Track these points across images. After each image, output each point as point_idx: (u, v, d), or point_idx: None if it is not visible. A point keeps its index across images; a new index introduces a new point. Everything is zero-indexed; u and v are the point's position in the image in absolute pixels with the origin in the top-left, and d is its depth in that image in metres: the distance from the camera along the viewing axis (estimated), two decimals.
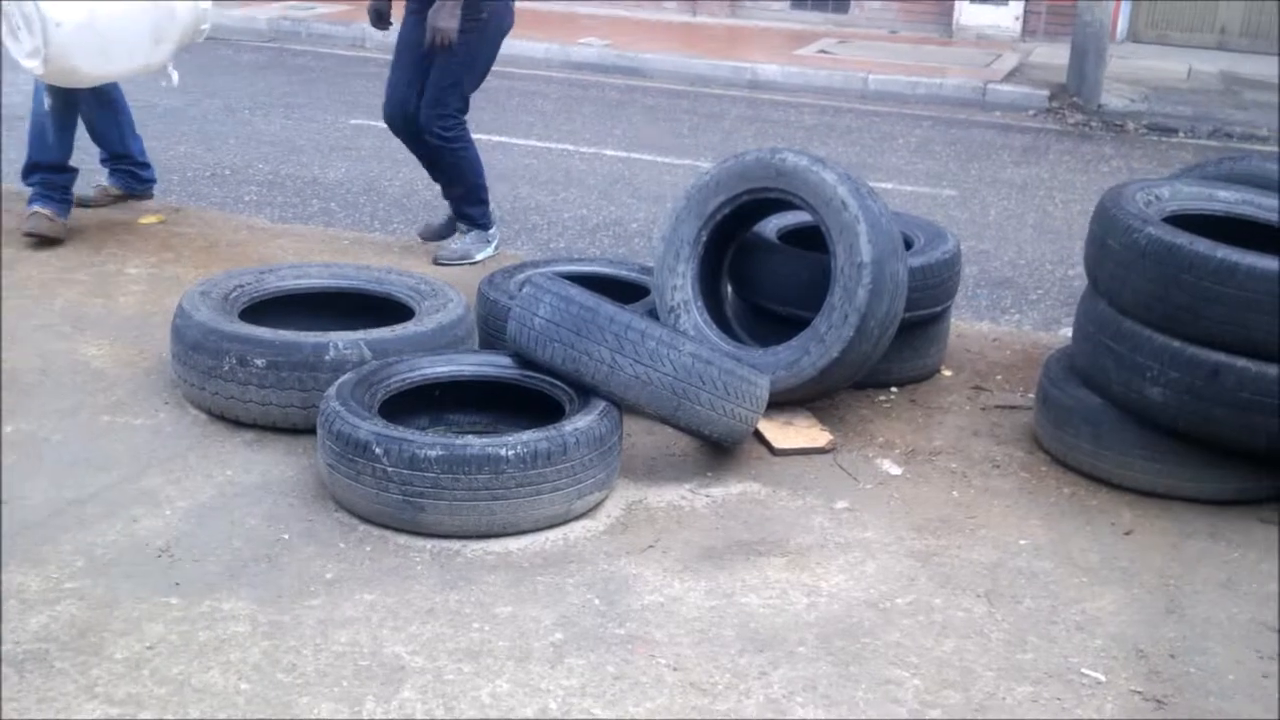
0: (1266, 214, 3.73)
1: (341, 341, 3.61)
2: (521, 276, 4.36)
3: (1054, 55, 12.55)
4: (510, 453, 3.08)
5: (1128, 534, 3.39)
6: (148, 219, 5.64)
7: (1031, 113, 10.98)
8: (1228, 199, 3.78)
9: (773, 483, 3.57)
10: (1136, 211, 3.48)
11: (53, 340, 4.23)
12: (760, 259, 4.16)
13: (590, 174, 7.91)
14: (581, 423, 3.22)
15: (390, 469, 3.06)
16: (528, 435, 3.13)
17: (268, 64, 11.05)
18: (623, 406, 3.39)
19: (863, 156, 8.92)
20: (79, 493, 3.26)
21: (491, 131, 8.92)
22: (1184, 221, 3.61)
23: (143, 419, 3.71)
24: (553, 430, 3.17)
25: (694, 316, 4.00)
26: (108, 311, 4.53)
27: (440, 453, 3.05)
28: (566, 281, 3.51)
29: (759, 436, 3.76)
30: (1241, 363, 3.30)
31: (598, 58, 11.88)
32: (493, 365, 3.60)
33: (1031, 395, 4.23)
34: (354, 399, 3.28)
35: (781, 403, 3.82)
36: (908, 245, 4.04)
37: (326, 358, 3.58)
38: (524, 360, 3.51)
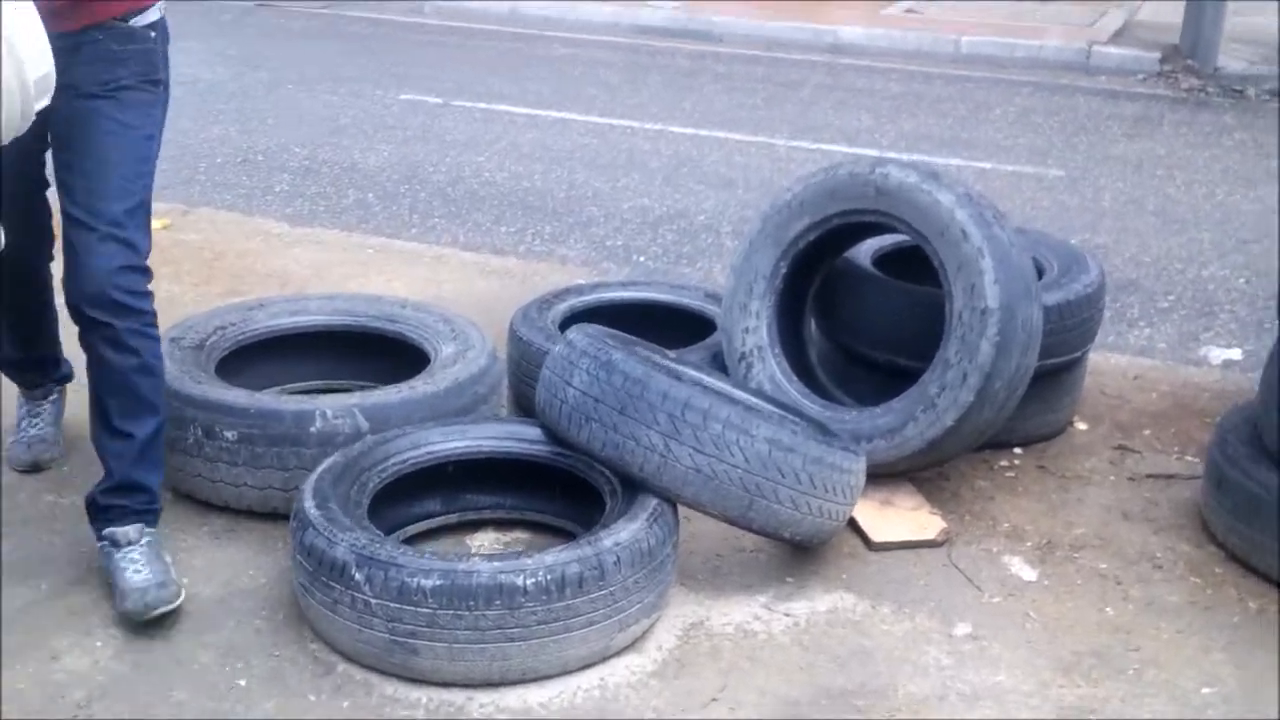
0: None
1: (330, 410, 2.90)
2: (563, 307, 3.63)
3: (1164, 12, 11.55)
4: (530, 581, 2.34)
5: None
6: None
7: (1141, 77, 10.03)
8: None
9: (871, 594, 2.80)
10: None
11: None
12: (853, 292, 3.37)
13: (654, 155, 7.17)
14: (624, 534, 2.47)
15: (374, 600, 2.35)
16: (552, 556, 2.39)
17: (320, 31, 10.43)
18: (679, 504, 2.65)
19: (956, 130, 8.08)
20: None
21: (550, 107, 8.20)
22: None
23: None
24: (586, 547, 2.42)
25: (770, 366, 3.23)
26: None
27: (438, 582, 2.32)
28: (610, 337, 2.76)
29: (851, 523, 3.00)
30: None
31: (667, 21, 11.06)
32: (517, 440, 2.86)
33: (1190, 458, 3.42)
34: (335, 495, 2.56)
35: (880, 475, 3.06)
36: (1038, 275, 3.23)
37: (312, 429, 2.87)
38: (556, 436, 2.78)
